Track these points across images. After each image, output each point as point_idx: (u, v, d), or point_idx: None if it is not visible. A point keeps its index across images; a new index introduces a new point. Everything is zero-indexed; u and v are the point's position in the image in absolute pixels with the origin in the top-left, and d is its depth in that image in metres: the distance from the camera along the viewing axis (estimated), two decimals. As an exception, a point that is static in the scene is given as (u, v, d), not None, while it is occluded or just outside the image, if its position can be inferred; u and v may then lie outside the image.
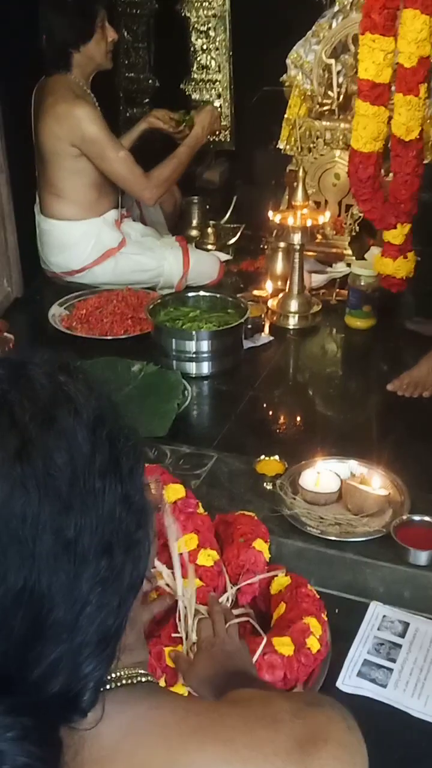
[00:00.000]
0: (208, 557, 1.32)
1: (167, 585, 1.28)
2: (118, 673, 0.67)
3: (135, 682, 0.68)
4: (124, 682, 0.67)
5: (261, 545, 1.41)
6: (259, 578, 1.36)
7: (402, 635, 1.41)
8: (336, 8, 3.13)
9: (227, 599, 1.32)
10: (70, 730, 0.61)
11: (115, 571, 0.60)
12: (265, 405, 2.23)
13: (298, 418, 2.18)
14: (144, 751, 0.63)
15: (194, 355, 2.33)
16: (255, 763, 0.64)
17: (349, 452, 1.79)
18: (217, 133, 3.21)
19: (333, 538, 1.56)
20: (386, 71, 2.26)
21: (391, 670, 1.34)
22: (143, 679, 0.69)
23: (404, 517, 1.59)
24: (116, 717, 0.64)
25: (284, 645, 1.25)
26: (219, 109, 3.29)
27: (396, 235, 2.39)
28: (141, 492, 0.65)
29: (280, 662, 1.23)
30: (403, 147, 2.28)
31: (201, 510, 1.37)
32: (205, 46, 3.91)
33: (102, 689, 0.62)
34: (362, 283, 2.53)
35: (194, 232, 3.29)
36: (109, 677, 0.65)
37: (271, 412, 2.22)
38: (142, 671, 0.69)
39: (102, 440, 0.62)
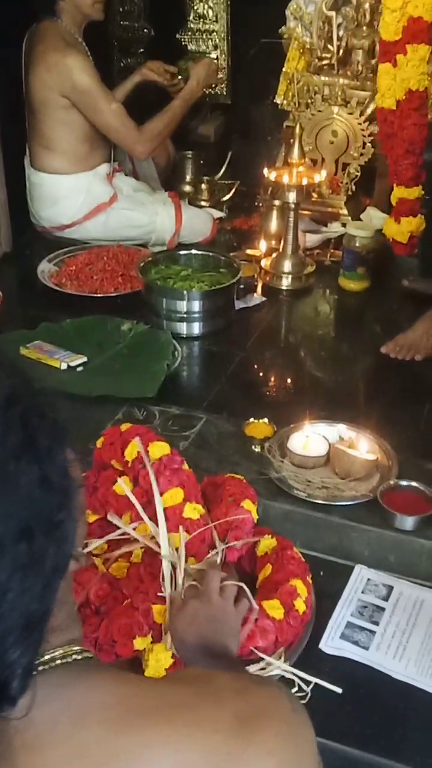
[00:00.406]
0: (194, 510, 1.31)
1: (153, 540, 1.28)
2: (50, 654, 0.65)
3: (70, 661, 0.66)
4: (58, 662, 0.66)
5: (249, 505, 1.40)
6: (245, 542, 1.36)
7: (386, 599, 1.42)
8: (339, -42, 3.03)
9: (217, 555, 1.32)
10: (1, 719, 0.60)
11: (36, 556, 0.59)
12: (255, 367, 2.21)
13: (289, 381, 2.16)
14: (83, 734, 0.62)
15: (185, 315, 2.30)
16: (196, 740, 0.63)
17: (339, 416, 1.78)
18: (213, 86, 3.13)
19: (320, 502, 1.56)
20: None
21: (373, 632, 1.35)
22: (79, 657, 0.67)
23: (391, 482, 1.59)
24: (51, 701, 0.62)
25: (274, 608, 1.25)
26: (216, 61, 3.20)
27: (408, 192, 2.32)
28: (62, 471, 0.63)
29: (272, 626, 1.23)
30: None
31: (186, 467, 1.36)
32: (202, -5, 3.80)
33: (32, 674, 0.60)
34: (357, 245, 2.50)
35: (187, 188, 3.23)
36: (39, 660, 0.63)
37: (261, 374, 2.21)
38: (77, 647, 0.68)
39: (15, 420, 0.59)
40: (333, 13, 2.88)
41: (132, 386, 1.98)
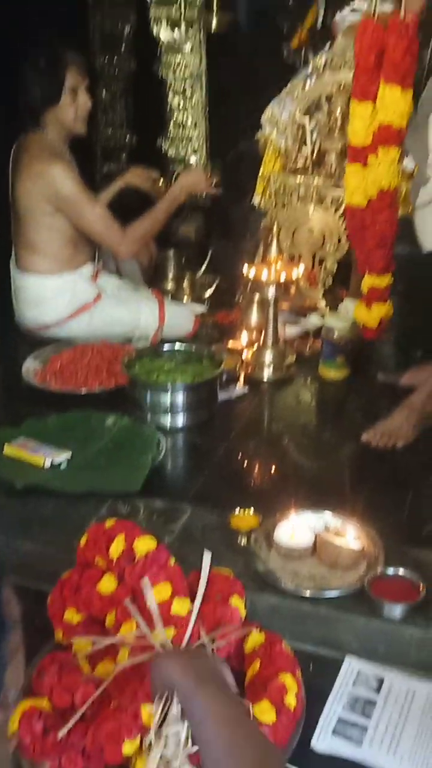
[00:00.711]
0: (182, 606, 1.30)
1: (142, 637, 1.26)
2: None
3: None
4: None
5: (237, 602, 1.39)
6: (235, 634, 1.34)
7: (377, 691, 1.39)
8: (310, 69, 3.23)
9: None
10: None
11: None
12: (239, 457, 2.23)
13: (273, 470, 2.18)
14: None
15: (169, 408, 2.33)
16: None
17: (324, 504, 1.78)
18: (203, 195, 3.25)
19: (307, 595, 1.55)
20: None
21: (366, 727, 1.32)
22: None
23: (378, 571, 1.58)
24: None
25: (266, 712, 1.22)
26: (206, 172, 3.33)
27: (380, 281, 2.40)
28: None
29: (268, 732, 1.20)
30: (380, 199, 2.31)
31: (173, 562, 1.36)
32: (181, 105, 4.01)
33: None
34: (335, 335, 2.57)
35: (170, 285, 3.33)
36: None
37: (245, 465, 2.22)
38: None
39: None
40: (306, 120, 3.05)
41: (117, 481, 1.98)
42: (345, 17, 3.30)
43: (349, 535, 1.65)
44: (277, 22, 3.60)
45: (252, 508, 1.81)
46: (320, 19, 3.48)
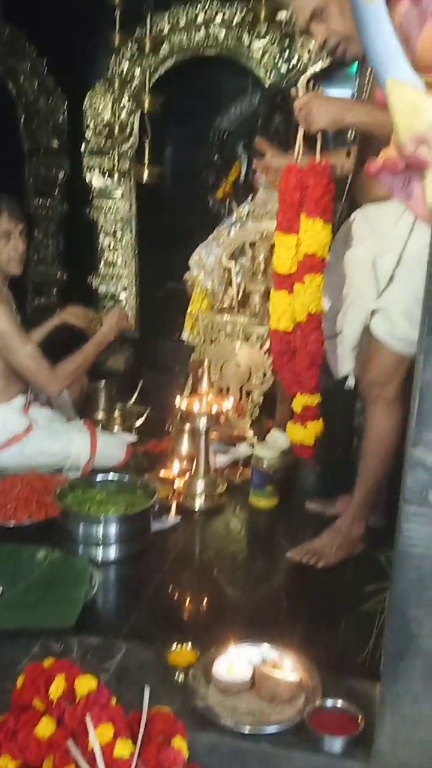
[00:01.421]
0: (124, 747, 1.26)
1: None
2: None
3: None
4: None
5: (179, 743, 1.36)
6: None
7: None
8: (234, 218, 3.49)
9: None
10: None
11: None
12: (174, 590, 2.21)
13: (209, 602, 2.17)
14: None
15: (102, 540, 2.31)
16: None
17: (260, 635, 1.79)
18: (126, 330, 3.41)
19: (247, 731, 1.53)
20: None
21: None
22: None
23: (317, 703, 1.58)
24: None
25: None
26: (125, 304, 3.51)
27: (312, 399, 2.51)
28: None
29: None
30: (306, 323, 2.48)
31: (114, 702, 1.33)
32: (111, 245, 4.22)
33: None
34: (265, 464, 2.65)
35: (101, 415, 3.37)
36: None
37: (180, 597, 2.20)
38: None
39: None
40: (232, 263, 3.27)
41: (49, 617, 1.93)
42: (265, 173, 3.62)
43: (287, 667, 1.66)
44: (204, 175, 3.89)
45: (189, 643, 1.79)
46: (243, 174, 3.80)
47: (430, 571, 1.41)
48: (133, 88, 3.96)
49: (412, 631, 1.44)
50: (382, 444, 2.32)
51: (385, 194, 2.12)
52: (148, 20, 3.69)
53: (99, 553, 2.30)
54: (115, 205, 4.14)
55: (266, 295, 3.24)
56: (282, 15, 3.65)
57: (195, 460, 2.76)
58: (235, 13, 3.80)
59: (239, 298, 3.27)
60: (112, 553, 2.32)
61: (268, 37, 3.77)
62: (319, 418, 2.48)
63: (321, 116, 2.03)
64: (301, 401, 2.45)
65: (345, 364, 2.39)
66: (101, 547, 2.31)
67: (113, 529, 2.32)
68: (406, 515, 1.39)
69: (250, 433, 3.11)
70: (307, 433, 2.49)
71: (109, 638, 1.85)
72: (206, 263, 3.43)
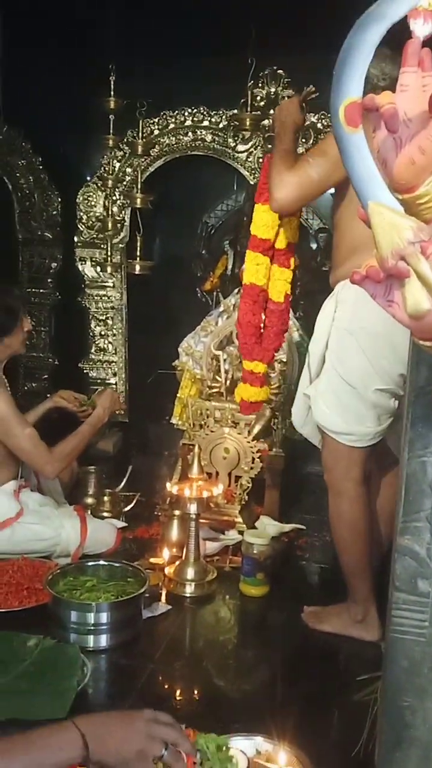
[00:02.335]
0: None
1: None
2: None
3: None
4: None
5: None
6: None
7: None
8: (221, 308, 3.63)
9: None
10: None
11: None
12: (166, 679, 2.20)
13: (201, 692, 2.16)
14: None
15: (93, 628, 2.30)
16: None
17: (254, 724, 1.79)
18: (117, 412, 3.48)
19: None
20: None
21: None
22: None
23: (313, 796, 1.57)
24: None
25: None
26: (115, 388, 3.60)
27: (258, 366, 2.83)
28: None
29: None
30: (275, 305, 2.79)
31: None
32: (103, 332, 4.33)
33: None
34: (255, 551, 2.67)
35: (90, 500, 3.39)
36: None
37: (172, 687, 2.19)
38: None
39: None
40: (220, 352, 3.37)
41: (41, 707, 1.91)
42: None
43: (281, 760, 1.65)
44: (192, 267, 4.05)
45: (182, 733, 1.78)
46: (230, 267, 3.96)
47: (422, 657, 1.44)
48: (124, 185, 4.15)
49: (405, 720, 1.45)
50: (339, 528, 2.37)
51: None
52: (140, 125, 3.91)
53: (91, 641, 2.29)
54: (106, 294, 4.28)
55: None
56: (265, 121, 3.90)
57: (185, 547, 2.78)
58: (221, 119, 4.04)
59: (227, 385, 3.36)
60: (104, 640, 2.31)
61: (252, 141, 4.01)
62: (262, 386, 2.84)
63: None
64: (251, 366, 2.80)
65: (297, 422, 2.56)
66: (93, 634, 2.30)
67: (105, 617, 2.32)
68: (397, 603, 1.43)
69: (239, 519, 3.14)
70: (252, 393, 2.80)
71: (102, 730, 1.83)
72: (195, 351, 3.53)
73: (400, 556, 1.42)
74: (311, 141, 3.88)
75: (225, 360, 3.40)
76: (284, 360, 3.41)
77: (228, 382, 3.36)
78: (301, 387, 2.49)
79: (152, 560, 2.86)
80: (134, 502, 3.34)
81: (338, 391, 2.26)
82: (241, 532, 2.95)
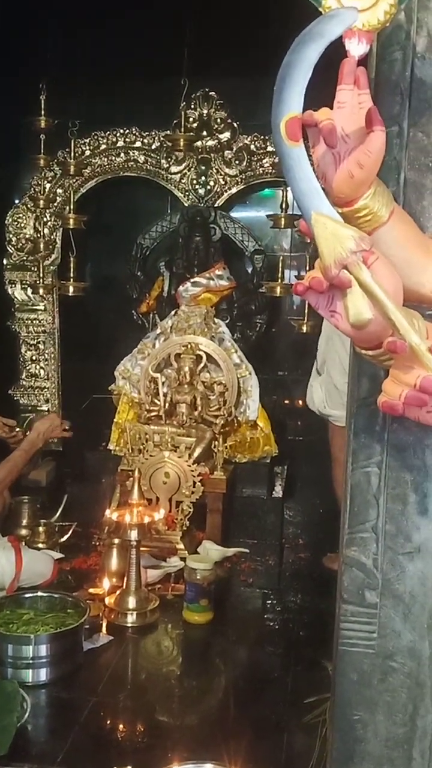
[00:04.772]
0: None
1: None
2: None
3: None
4: None
5: None
6: None
7: None
8: (158, 330, 3.59)
9: None
10: None
11: None
12: (110, 712, 2.10)
13: (147, 724, 2.07)
14: None
15: (31, 661, 2.20)
16: None
17: (203, 753, 1.73)
18: (60, 437, 3.38)
19: None
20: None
21: None
22: None
23: None
24: None
25: None
26: (59, 417, 3.49)
27: None
28: None
29: None
30: None
31: None
32: (34, 357, 4.22)
33: None
34: (198, 577, 2.61)
35: (24, 531, 3.27)
36: None
37: (117, 720, 2.09)
38: None
39: None
40: (158, 374, 3.32)
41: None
42: (187, 289, 3.78)
43: (235, 788, 1.60)
44: (127, 289, 4.00)
45: (129, 767, 1.71)
46: (166, 289, 3.94)
47: (371, 670, 1.41)
48: (55, 206, 4.09)
49: (357, 734, 1.42)
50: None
51: None
52: (72, 145, 3.86)
53: (30, 675, 2.19)
54: (37, 317, 4.18)
55: (192, 406, 3.29)
56: (198, 143, 3.92)
57: (125, 576, 2.70)
58: (154, 140, 4.04)
59: (166, 408, 3.31)
60: (44, 674, 2.21)
61: (185, 162, 4.02)
62: None
63: None
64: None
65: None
66: (31, 668, 2.20)
67: (44, 649, 2.22)
68: (345, 615, 1.41)
69: (181, 545, 3.07)
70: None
71: (44, 766, 1.75)
72: (132, 374, 3.48)
73: (347, 568, 1.40)
74: (245, 162, 3.92)
75: (163, 383, 3.36)
76: (223, 382, 3.38)
77: (167, 405, 3.31)
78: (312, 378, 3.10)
79: (91, 590, 2.77)
80: (70, 532, 3.23)
81: (326, 381, 2.97)
82: (183, 559, 2.88)
